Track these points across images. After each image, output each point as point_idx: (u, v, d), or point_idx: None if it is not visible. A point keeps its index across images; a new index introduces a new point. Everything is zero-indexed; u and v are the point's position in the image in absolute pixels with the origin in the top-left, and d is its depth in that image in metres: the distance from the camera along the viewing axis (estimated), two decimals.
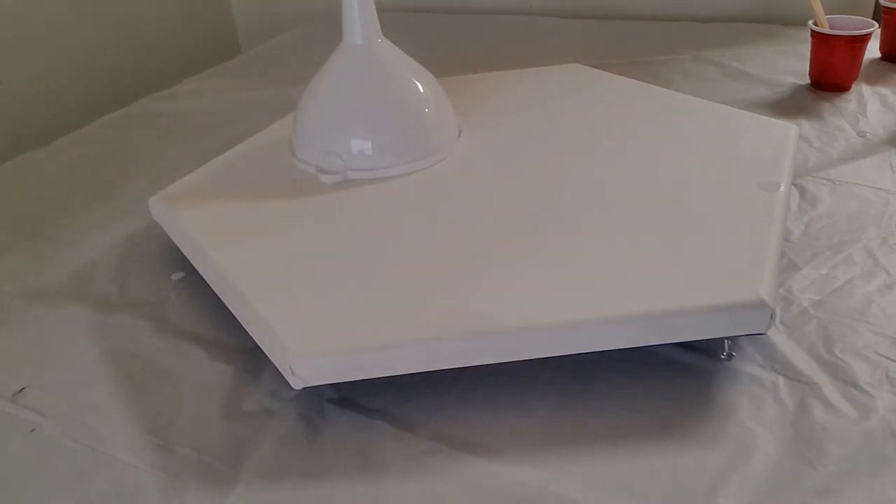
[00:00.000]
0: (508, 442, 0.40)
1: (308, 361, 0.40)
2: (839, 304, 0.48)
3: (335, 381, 0.43)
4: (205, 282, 0.50)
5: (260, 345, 0.44)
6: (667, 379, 0.43)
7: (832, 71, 0.80)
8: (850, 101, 0.78)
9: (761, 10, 1.07)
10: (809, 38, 0.80)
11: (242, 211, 0.55)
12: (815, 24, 0.79)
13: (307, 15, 1.20)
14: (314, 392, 0.44)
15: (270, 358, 0.43)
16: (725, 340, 0.44)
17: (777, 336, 0.46)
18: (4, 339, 0.51)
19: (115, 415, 0.44)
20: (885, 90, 0.79)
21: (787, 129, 0.61)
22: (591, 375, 0.44)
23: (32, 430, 0.43)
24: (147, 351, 0.48)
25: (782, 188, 0.52)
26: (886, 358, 0.44)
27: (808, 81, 0.83)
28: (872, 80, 0.82)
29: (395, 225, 0.52)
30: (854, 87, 0.80)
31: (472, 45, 1.06)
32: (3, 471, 0.41)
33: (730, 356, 0.44)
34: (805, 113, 0.75)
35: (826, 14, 0.79)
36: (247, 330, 0.45)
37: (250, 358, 0.47)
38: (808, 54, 0.81)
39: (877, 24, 0.79)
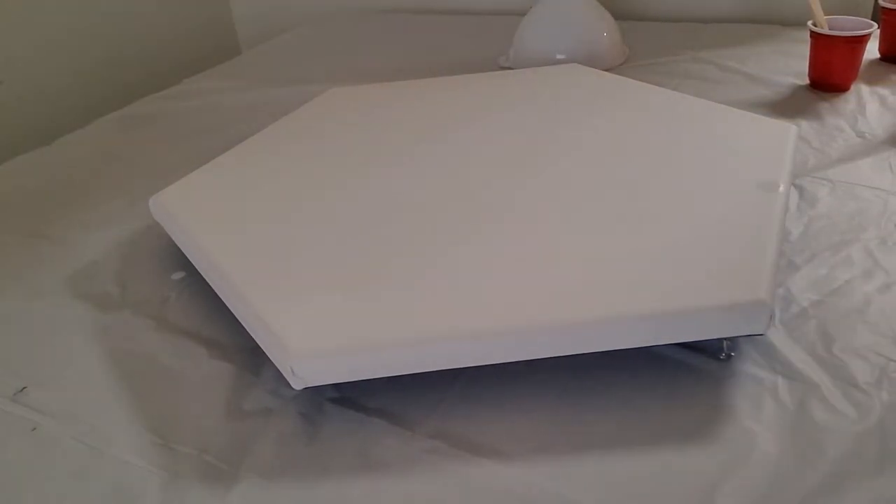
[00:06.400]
0: (508, 441, 0.40)
1: (308, 361, 0.40)
2: (838, 304, 0.48)
3: (335, 382, 0.43)
4: (205, 281, 0.50)
5: (260, 345, 0.44)
6: (667, 379, 0.43)
7: (831, 71, 0.80)
8: (849, 101, 0.78)
9: (761, 11, 1.07)
10: (809, 39, 0.81)
11: (242, 211, 0.55)
12: (815, 24, 0.80)
13: (307, 15, 1.20)
14: (314, 391, 0.44)
15: (271, 358, 0.43)
16: (724, 341, 0.44)
17: (776, 336, 0.46)
18: (4, 338, 0.51)
19: (116, 414, 0.44)
20: (884, 90, 0.79)
21: (787, 130, 0.61)
22: (591, 375, 0.44)
23: (33, 429, 0.43)
24: (148, 350, 0.49)
25: (781, 188, 0.52)
26: (886, 358, 0.44)
27: (808, 82, 0.83)
28: (872, 80, 0.82)
29: (395, 226, 0.52)
30: (853, 87, 0.80)
31: (472, 45, 1.06)
32: (4, 470, 0.41)
33: (728, 356, 0.44)
34: (804, 113, 0.75)
35: (825, 14, 0.79)
36: (247, 329, 0.45)
37: (251, 357, 0.47)
38: (808, 54, 0.81)
39: (876, 25, 0.79)
